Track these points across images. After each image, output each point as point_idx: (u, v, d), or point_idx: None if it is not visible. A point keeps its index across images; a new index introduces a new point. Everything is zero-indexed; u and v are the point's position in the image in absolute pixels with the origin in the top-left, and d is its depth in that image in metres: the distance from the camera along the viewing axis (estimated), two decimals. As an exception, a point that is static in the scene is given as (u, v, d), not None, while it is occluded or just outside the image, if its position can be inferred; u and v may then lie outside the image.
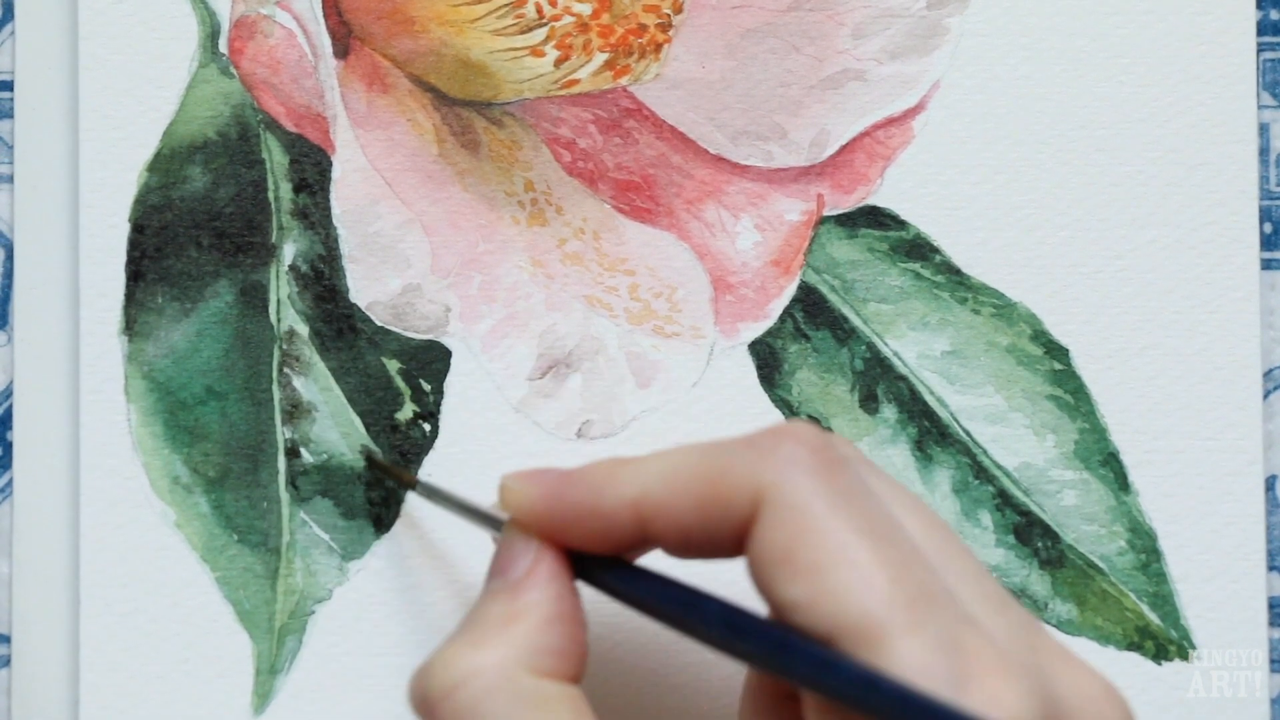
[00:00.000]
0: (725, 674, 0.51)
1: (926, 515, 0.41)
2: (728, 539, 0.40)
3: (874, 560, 0.38)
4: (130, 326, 0.51)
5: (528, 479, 0.43)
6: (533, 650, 0.41)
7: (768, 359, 0.52)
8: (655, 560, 0.43)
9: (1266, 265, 0.52)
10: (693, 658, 0.51)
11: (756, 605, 0.40)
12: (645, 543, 0.42)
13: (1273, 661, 0.51)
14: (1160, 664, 0.51)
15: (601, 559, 0.43)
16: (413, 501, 0.51)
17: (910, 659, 0.37)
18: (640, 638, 0.50)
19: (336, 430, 0.51)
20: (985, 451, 0.52)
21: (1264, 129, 0.53)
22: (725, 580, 0.45)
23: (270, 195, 0.52)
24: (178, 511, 0.51)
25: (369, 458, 0.51)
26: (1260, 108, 0.53)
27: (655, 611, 0.42)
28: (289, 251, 0.52)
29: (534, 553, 0.43)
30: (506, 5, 0.51)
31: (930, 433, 0.52)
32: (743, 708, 0.44)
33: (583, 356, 0.52)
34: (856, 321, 0.52)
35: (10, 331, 0.52)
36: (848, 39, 0.52)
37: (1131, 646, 0.51)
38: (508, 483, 0.44)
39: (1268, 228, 0.53)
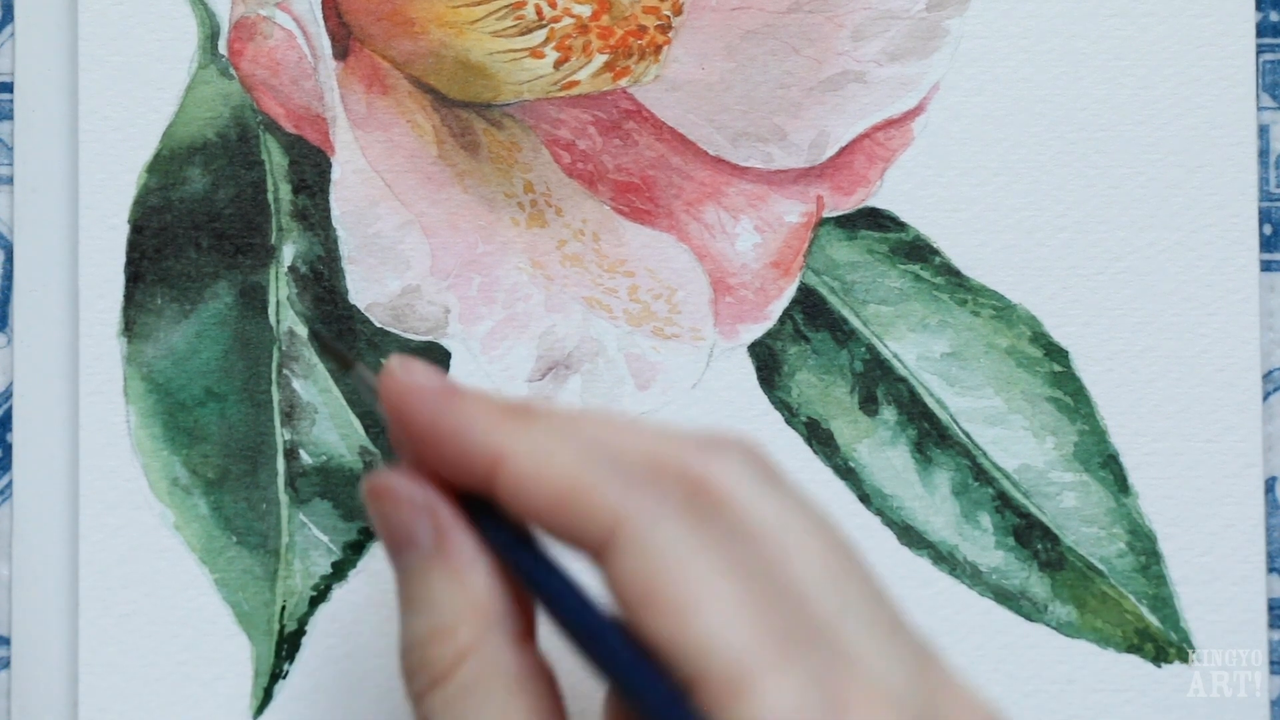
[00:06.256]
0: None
1: (823, 537, 0.39)
2: (572, 543, 0.39)
3: (740, 600, 0.37)
4: (130, 328, 0.51)
5: (411, 371, 0.41)
6: (503, 615, 0.40)
7: (767, 361, 0.52)
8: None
9: (1266, 267, 0.52)
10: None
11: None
12: (490, 493, 0.40)
13: (1273, 663, 0.51)
14: (1160, 666, 0.51)
15: (506, 525, 0.41)
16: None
17: (779, 700, 0.36)
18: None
19: (336, 432, 0.51)
20: (985, 453, 0.52)
21: (1263, 130, 0.53)
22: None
23: (270, 197, 0.52)
24: (177, 513, 0.51)
25: (318, 335, 0.49)
26: (1260, 109, 0.53)
27: (543, 595, 0.40)
28: (288, 253, 0.52)
29: (434, 512, 0.41)
30: (506, 7, 0.51)
31: (930, 435, 0.52)
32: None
33: (582, 358, 0.52)
34: (856, 323, 0.52)
35: (10, 333, 0.52)
36: (847, 41, 0.52)
37: (1131, 649, 0.51)
38: (391, 365, 0.41)
39: (1267, 229, 0.52)
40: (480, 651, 0.40)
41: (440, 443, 0.40)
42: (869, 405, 0.52)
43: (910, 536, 0.51)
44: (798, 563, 0.38)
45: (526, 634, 0.40)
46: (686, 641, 0.37)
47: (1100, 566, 0.51)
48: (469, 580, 0.40)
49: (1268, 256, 0.52)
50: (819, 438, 0.52)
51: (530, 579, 0.40)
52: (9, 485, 0.52)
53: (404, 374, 0.41)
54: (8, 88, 0.53)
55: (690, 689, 0.37)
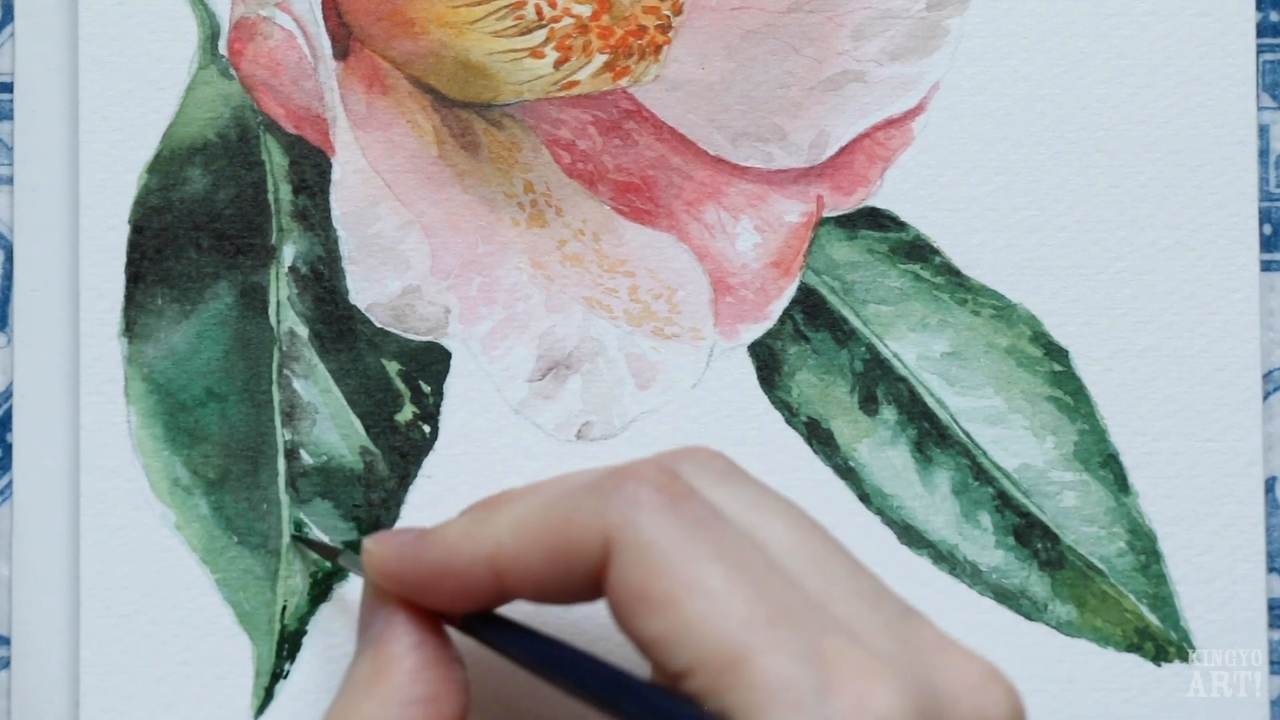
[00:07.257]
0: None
1: (794, 520, 0.41)
2: (582, 584, 0.41)
3: (727, 585, 0.38)
4: (130, 328, 0.51)
5: (383, 541, 0.44)
6: (404, 703, 0.42)
7: (767, 360, 0.52)
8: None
9: (1266, 267, 0.52)
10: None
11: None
12: (505, 596, 0.42)
13: (1272, 663, 0.52)
14: (1160, 665, 0.51)
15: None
16: (412, 503, 0.51)
17: (771, 676, 0.37)
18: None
19: (336, 432, 0.51)
20: (985, 453, 0.52)
21: (1264, 130, 0.53)
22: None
23: (270, 197, 0.52)
24: (178, 513, 0.51)
25: (298, 539, 0.51)
26: (1260, 109, 0.53)
27: (525, 664, 0.42)
28: (289, 253, 0.52)
29: (389, 608, 0.44)
30: (506, 7, 0.51)
31: (930, 434, 0.52)
32: None
33: (582, 358, 0.52)
34: (856, 323, 0.52)
35: (10, 333, 0.52)
36: (847, 40, 0.52)
37: (1131, 648, 0.51)
38: (366, 544, 0.44)
39: (1267, 229, 0.53)
40: None
41: (440, 579, 0.43)
42: (869, 405, 0.52)
43: (910, 536, 0.51)
44: (775, 545, 0.40)
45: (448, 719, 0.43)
46: (680, 631, 0.38)
47: (1100, 566, 0.51)
48: (386, 670, 0.43)
49: (1268, 256, 0.52)
50: (819, 437, 0.52)
51: (547, 660, 0.42)
52: (9, 485, 0.52)
53: (378, 544, 0.44)
54: (8, 88, 0.53)
55: (686, 678, 0.38)
